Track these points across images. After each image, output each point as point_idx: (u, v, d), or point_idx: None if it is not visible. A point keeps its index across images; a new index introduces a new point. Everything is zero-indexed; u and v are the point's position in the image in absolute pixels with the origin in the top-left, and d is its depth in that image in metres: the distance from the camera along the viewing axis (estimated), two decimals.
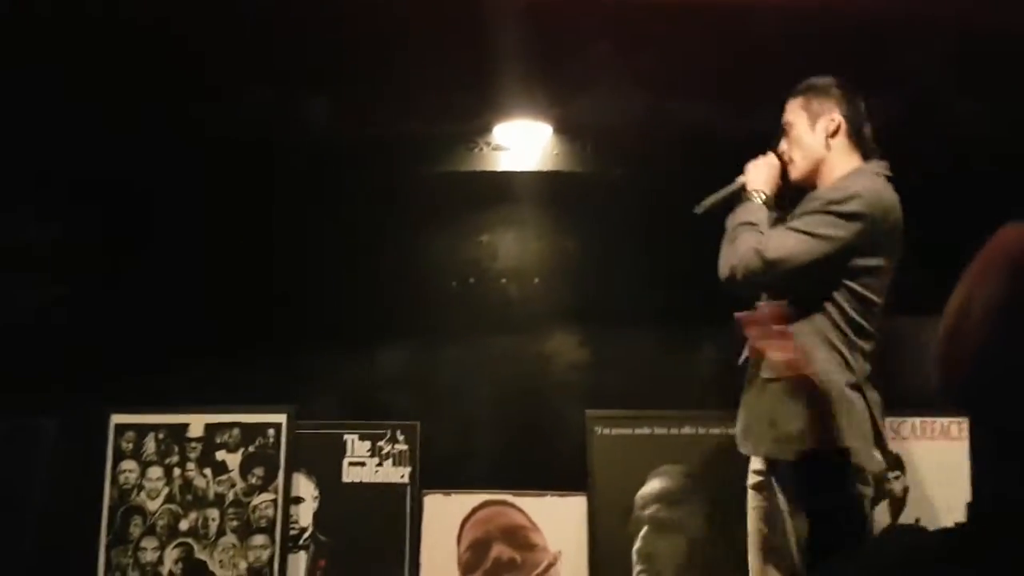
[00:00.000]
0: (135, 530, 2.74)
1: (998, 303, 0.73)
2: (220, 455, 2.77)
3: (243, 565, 2.69)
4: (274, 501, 2.73)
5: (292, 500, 2.77)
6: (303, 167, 2.93)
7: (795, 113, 2.01)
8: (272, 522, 2.72)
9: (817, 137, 1.96)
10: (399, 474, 2.83)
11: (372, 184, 2.93)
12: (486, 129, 2.88)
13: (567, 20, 2.40)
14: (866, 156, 1.96)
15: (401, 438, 2.85)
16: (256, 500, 2.73)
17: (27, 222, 2.93)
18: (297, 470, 2.79)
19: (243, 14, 2.31)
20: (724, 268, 1.91)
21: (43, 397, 2.79)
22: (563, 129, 2.88)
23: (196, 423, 2.79)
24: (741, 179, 2.07)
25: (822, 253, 1.80)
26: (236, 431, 2.78)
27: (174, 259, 2.91)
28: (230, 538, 2.71)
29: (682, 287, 2.87)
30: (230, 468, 2.76)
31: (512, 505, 2.82)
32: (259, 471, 2.75)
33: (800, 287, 1.86)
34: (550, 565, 2.76)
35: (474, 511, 2.83)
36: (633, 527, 2.74)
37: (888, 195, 1.89)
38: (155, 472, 2.76)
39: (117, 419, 2.80)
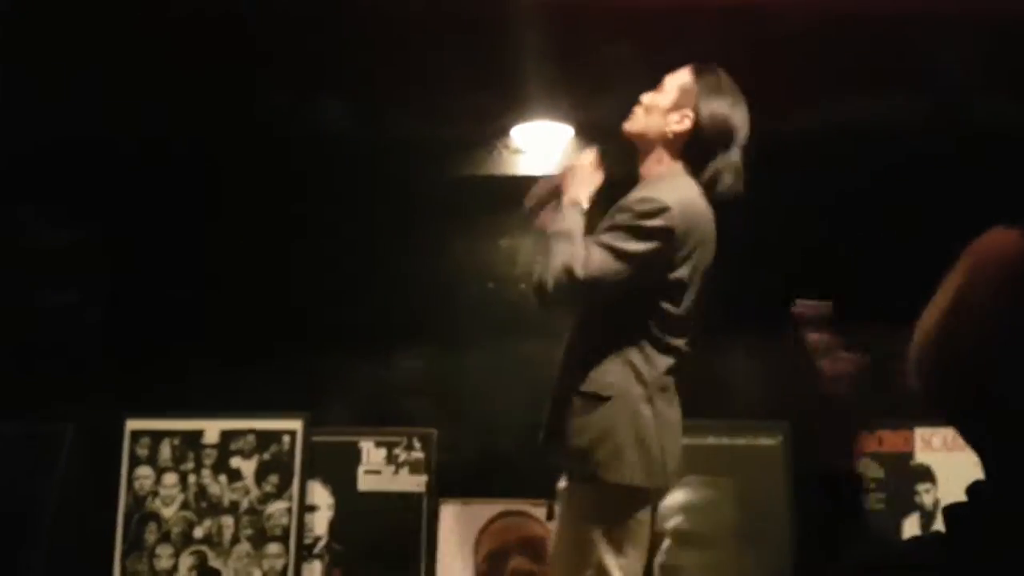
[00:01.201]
0: (150, 537, 2.72)
1: (995, 308, 0.71)
2: (235, 462, 2.74)
3: (257, 574, 2.67)
4: (289, 509, 2.70)
5: (307, 508, 2.74)
6: (322, 171, 2.92)
7: (673, 84, 1.92)
8: (287, 530, 2.69)
9: (666, 122, 1.88)
10: (415, 483, 2.79)
11: (390, 188, 2.91)
12: (505, 132, 2.85)
13: (586, 21, 2.36)
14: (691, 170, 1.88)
15: (417, 446, 2.81)
16: (271, 508, 2.71)
17: (42, 227, 2.95)
18: (312, 478, 2.76)
19: (263, 15, 2.30)
20: (534, 285, 1.80)
21: (59, 403, 2.80)
22: (583, 131, 2.84)
23: (211, 429, 2.77)
24: (560, 177, 1.98)
25: (630, 270, 1.73)
26: (251, 438, 2.76)
27: (191, 265, 2.91)
28: (244, 546, 2.69)
29: (704, 291, 2.81)
30: (245, 475, 2.73)
31: (530, 516, 2.77)
32: (274, 478, 2.73)
33: (610, 302, 1.79)
34: None
35: (491, 521, 2.78)
36: (655, 539, 2.67)
37: (698, 202, 1.83)
38: (170, 479, 2.75)
39: (133, 425, 2.78)
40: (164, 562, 2.70)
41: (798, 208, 2.79)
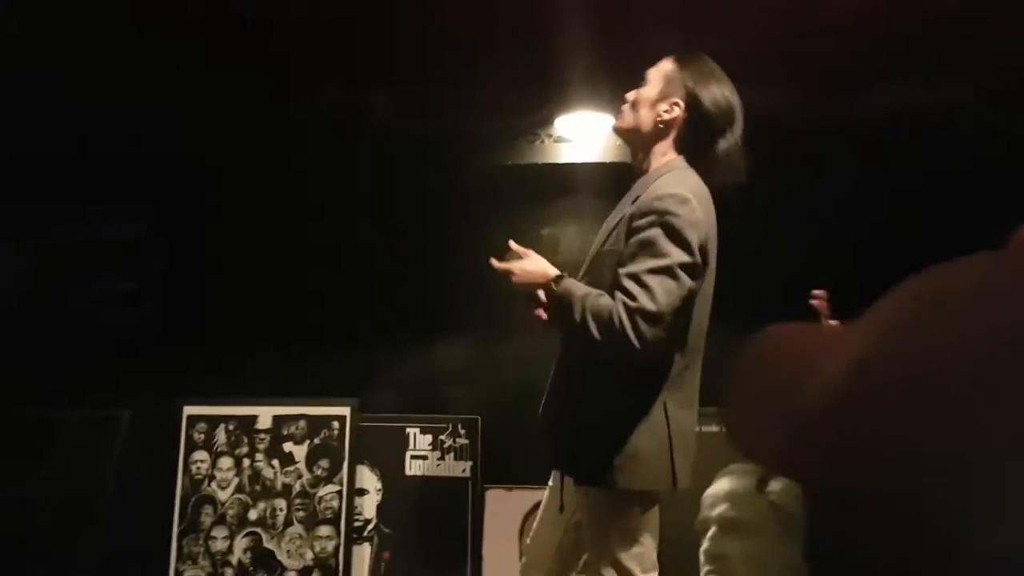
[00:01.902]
0: (206, 519, 2.80)
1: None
2: (287, 446, 2.81)
3: (309, 555, 2.73)
4: (339, 492, 2.76)
5: (356, 492, 2.79)
6: (367, 163, 2.96)
7: (657, 75, 1.88)
8: (337, 513, 2.75)
9: (656, 113, 1.83)
10: (460, 468, 2.83)
11: (434, 178, 2.93)
12: (548, 122, 2.86)
13: (628, 8, 2.35)
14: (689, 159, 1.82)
15: (462, 432, 2.85)
16: (321, 491, 2.77)
17: (102, 222, 3.04)
18: (361, 462, 2.81)
19: (302, 11, 2.33)
20: (618, 347, 1.63)
21: (119, 389, 2.89)
22: None
23: (264, 415, 2.84)
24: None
25: (689, 278, 1.66)
26: (302, 423, 2.82)
27: (245, 258, 2.97)
28: (297, 528, 2.75)
29: (748, 279, 2.79)
30: (297, 459, 2.80)
31: None
32: (324, 463, 2.79)
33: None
34: None
35: (536, 507, 2.80)
36: (700, 527, 2.67)
37: (704, 192, 1.77)
38: (226, 462, 2.83)
39: (189, 410, 2.87)
40: (219, 544, 2.78)
41: (849, 198, 2.76)
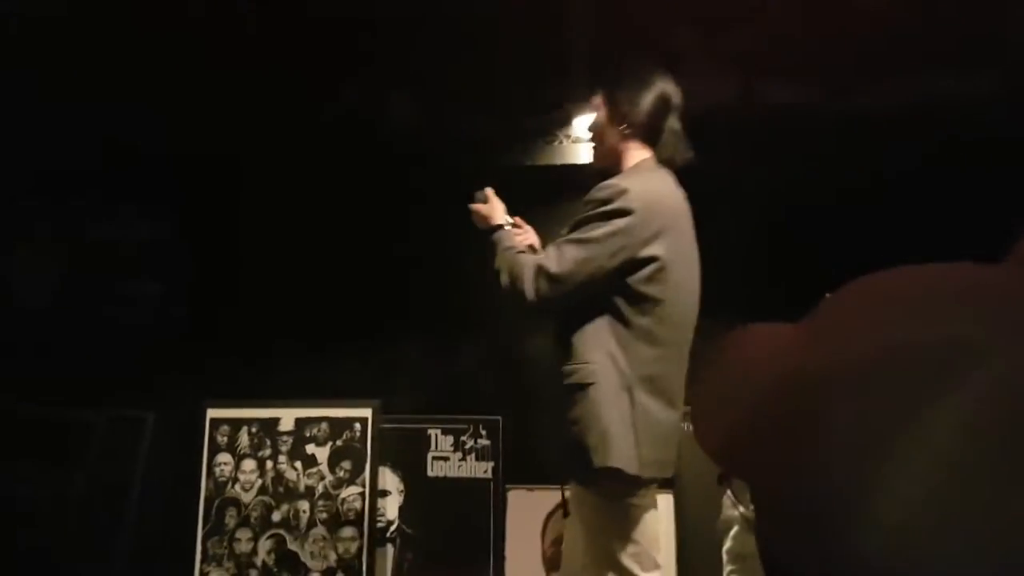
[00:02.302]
0: (230, 521, 2.82)
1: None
2: (310, 448, 2.83)
3: (333, 556, 2.74)
4: (362, 494, 2.78)
5: (379, 493, 2.80)
6: (386, 163, 2.97)
7: (601, 102, 1.99)
8: (360, 514, 2.76)
9: (614, 128, 1.94)
10: (482, 469, 2.84)
11: (452, 180, 2.94)
12: (565, 122, 2.86)
13: (647, 7, 2.35)
14: (656, 150, 1.93)
15: (484, 433, 2.86)
16: (344, 493, 2.78)
17: (126, 222, 3.06)
18: (383, 464, 2.83)
19: (322, 10, 2.35)
20: (517, 299, 1.82)
21: (143, 392, 2.91)
22: None
23: (287, 417, 2.86)
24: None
25: (600, 255, 1.76)
26: (324, 425, 2.84)
27: (267, 261, 2.99)
28: (320, 530, 2.77)
29: (771, 276, 2.79)
30: (319, 461, 2.81)
31: None
32: (346, 464, 2.80)
33: (589, 292, 1.79)
34: None
35: (558, 507, 2.81)
36: (723, 526, 2.67)
37: (662, 187, 1.85)
38: (249, 464, 2.85)
39: (213, 413, 2.90)
40: (244, 545, 2.80)
41: (879, 186, 2.75)
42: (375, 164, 2.98)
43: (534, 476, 2.83)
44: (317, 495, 2.79)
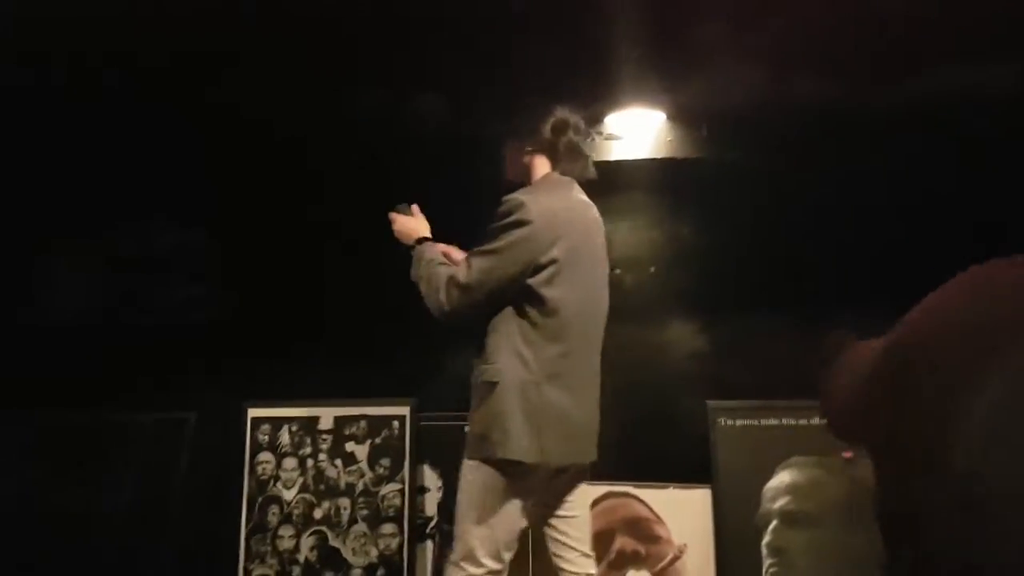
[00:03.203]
0: (273, 518, 2.87)
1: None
2: (349, 446, 2.87)
3: (374, 552, 2.78)
4: (401, 491, 2.81)
5: (418, 490, 2.83)
6: (417, 163, 3.00)
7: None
8: (400, 511, 2.79)
9: (521, 147, 2.18)
10: None
11: (485, 179, 2.95)
12: (598, 119, 2.87)
13: (677, 4, 2.36)
14: (556, 165, 2.13)
15: None
16: (384, 490, 2.82)
17: (167, 231, 3.12)
18: (422, 461, 2.85)
19: (356, 11, 2.38)
20: (434, 309, 2.03)
21: (185, 393, 2.97)
22: (677, 115, 2.84)
23: (326, 415, 2.90)
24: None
25: (505, 263, 1.94)
26: (363, 423, 2.87)
27: (305, 263, 3.03)
28: (361, 526, 2.81)
29: (804, 272, 2.78)
30: (359, 459, 2.85)
31: (634, 497, 2.80)
32: (386, 462, 2.84)
33: (502, 300, 1.97)
34: (675, 558, 2.72)
35: (596, 503, 2.82)
36: (761, 520, 2.66)
37: (560, 197, 2.04)
38: (290, 463, 2.89)
39: (253, 412, 2.95)
40: (286, 542, 2.85)
41: (915, 182, 2.73)
42: (406, 164, 3.00)
43: None
44: (357, 492, 2.83)
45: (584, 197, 2.15)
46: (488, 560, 1.93)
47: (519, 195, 2.00)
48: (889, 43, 2.40)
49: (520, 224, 1.94)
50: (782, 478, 2.67)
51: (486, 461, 1.93)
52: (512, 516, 1.95)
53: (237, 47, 2.48)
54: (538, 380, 1.92)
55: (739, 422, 2.74)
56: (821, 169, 2.77)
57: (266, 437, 2.93)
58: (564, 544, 2.11)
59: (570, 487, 2.10)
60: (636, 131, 2.88)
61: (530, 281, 1.94)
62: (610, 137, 2.89)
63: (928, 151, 2.70)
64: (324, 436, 2.89)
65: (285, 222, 3.06)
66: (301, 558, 2.82)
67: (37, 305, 3.16)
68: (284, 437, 2.91)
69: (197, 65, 2.56)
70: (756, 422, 2.73)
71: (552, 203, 2.00)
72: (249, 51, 2.50)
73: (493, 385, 1.94)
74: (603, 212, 3.03)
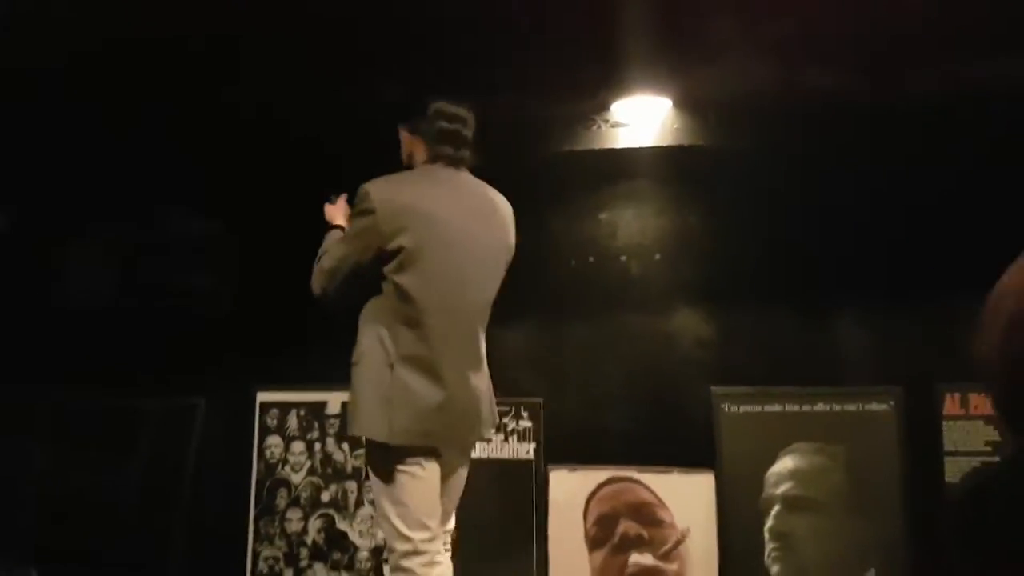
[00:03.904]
0: (281, 501, 2.92)
1: None
2: None
3: (380, 535, 2.81)
4: None
5: None
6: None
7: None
8: None
9: (406, 134, 2.22)
10: (524, 450, 2.89)
11: (491, 165, 2.96)
12: (604, 107, 2.87)
13: None
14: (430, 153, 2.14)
15: (525, 415, 2.91)
16: None
17: (177, 220, 3.15)
18: None
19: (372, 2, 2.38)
20: (312, 291, 2.14)
21: (195, 378, 3.01)
22: (683, 103, 2.84)
23: (333, 400, 2.94)
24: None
25: (355, 251, 2.03)
26: None
27: (312, 248, 3.05)
28: (367, 509, 2.85)
29: (809, 260, 2.79)
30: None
31: (638, 481, 2.83)
32: None
33: (366, 286, 2.05)
34: (679, 542, 2.76)
35: (600, 487, 2.86)
36: (764, 505, 2.70)
37: (419, 185, 2.07)
38: (298, 447, 2.93)
39: (262, 397, 2.99)
40: (294, 525, 2.89)
41: (923, 173, 2.74)
42: None
43: (576, 457, 2.88)
44: (364, 475, 2.87)
45: (473, 186, 2.16)
46: (414, 532, 1.97)
47: (367, 184, 2.05)
48: (897, 33, 2.39)
49: (364, 213, 2.02)
50: (785, 464, 2.70)
51: (369, 441, 2.02)
52: (415, 487, 1.99)
53: (245, 39, 2.49)
54: (392, 362, 1.97)
55: (743, 408, 2.77)
56: (827, 157, 2.77)
57: (275, 421, 2.96)
58: None
59: (458, 461, 2.15)
60: (642, 118, 2.88)
61: (385, 268, 2.00)
62: (616, 124, 2.90)
63: (933, 143, 2.70)
64: (331, 420, 2.93)
65: (295, 210, 3.08)
66: (309, 540, 2.87)
67: (51, 293, 3.19)
68: (292, 422, 2.95)
69: (212, 60, 2.57)
70: (760, 408, 2.76)
71: (402, 192, 2.04)
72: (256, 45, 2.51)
73: (357, 365, 2.04)
74: (608, 201, 3.07)
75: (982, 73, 2.49)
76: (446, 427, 2.01)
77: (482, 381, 2.10)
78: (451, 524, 2.19)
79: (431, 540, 2.00)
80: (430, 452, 2.00)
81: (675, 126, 2.86)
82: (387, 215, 1.99)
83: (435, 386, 1.98)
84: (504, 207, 2.21)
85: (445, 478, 2.09)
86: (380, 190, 2.02)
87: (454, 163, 2.13)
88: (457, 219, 2.05)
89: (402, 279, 1.99)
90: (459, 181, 2.13)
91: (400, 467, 1.98)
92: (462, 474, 2.19)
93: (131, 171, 3.00)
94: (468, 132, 2.15)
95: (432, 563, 1.98)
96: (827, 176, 2.78)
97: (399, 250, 1.98)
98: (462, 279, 2.06)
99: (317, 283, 2.11)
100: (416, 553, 1.96)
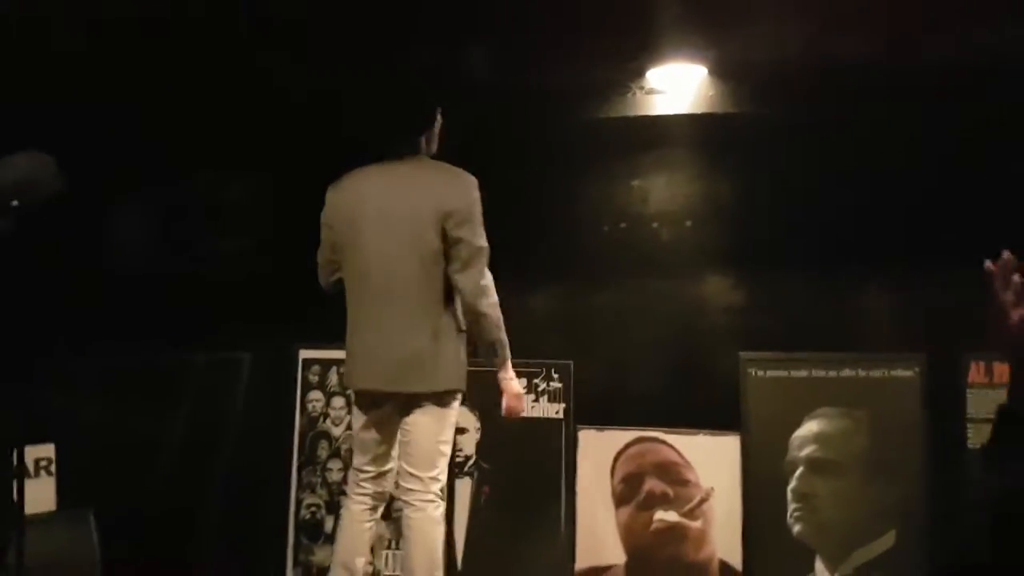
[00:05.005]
0: (322, 453, 3.06)
1: None
2: None
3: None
4: None
5: (457, 430, 2.96)
6: (460, 116, 3.05)
7: None
8: None
9: None
10: (554, 410, 2.99)
11: (526, 131, 3.01)
12: (639, 74, 2.89)
13: None
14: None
15: (555, 376, 2.99)
16: None
17: (223, 183, 3.25)
18: (462, 403, 2.97)
19: None
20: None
21: (240, 335, 3.14)
22: (718, 70, 2.84)
23: None
24: None
25: (321, 249, 2.51)
26: None
27: None
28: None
29: (838, 228, 2.81)
30: None
31: (664, 442, 2.92)
32: None
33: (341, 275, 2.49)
34: (703, 500, 2.84)
35: (627, 446, 2.95)
36: (788, 467, 2.76)
37: (360, 177, 2.46)
38: (338, 402, 3.07)
39: (304, 354, 3.12)
40: (335, 475, 3.04)
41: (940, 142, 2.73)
42: (449, 116, 3.06)
43: (604, 417, 2.97)
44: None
45: (407, 169, 2.43)
46: (356, 458, 2.49)
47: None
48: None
49: (328, 205, 2.46)
50: (810, 427, 2.76)
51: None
52: (360, 424, 2.47)
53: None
54: (351, 331, 2.44)
55: (770, 373, 2.82)
56: (860, 126, 2.77)
57: (316, 377, 3.10)
58: (402, 462, 2.45)
59: (404, 412, 2.40)
60: (676, 86, 2.89)
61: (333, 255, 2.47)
62: (651, 92, 2.92)
63: (964, 110, 2.69)
64: None
65: (336, 170, 3.16)
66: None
67: (104, 253, 3.32)
68: (333, 378, 3.08)
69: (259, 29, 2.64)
70: (786, 373, 2.81)
71: (340, 189, 2.46)
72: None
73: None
74: (641, 167, 3.10)
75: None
76: (377, 378, 2.37)
77: (423, 338, 2.34)
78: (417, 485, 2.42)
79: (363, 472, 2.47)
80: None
81: (710, 93, 2.88)
82: (328, 214, 2.46)
83: (373, 345, 2.36)
84: (441, 178, 2.43)
85: (396, 425, 2.43)
86: (330, 192, 2.47)
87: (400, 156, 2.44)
88: (380, 205, 2.35)
89: (344, 264, 2.43)
90: (392, 170, 2.43)
91: (357, 409, 2.48)
92: (420, 421, 2.40)
93: (178, 133, 3.09)
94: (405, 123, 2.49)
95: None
96: (859, 143, 2.79)
97: (337, 240, 2.43)
98: (393, 254, 2.34)
99: (319, 279, 2.55)
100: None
